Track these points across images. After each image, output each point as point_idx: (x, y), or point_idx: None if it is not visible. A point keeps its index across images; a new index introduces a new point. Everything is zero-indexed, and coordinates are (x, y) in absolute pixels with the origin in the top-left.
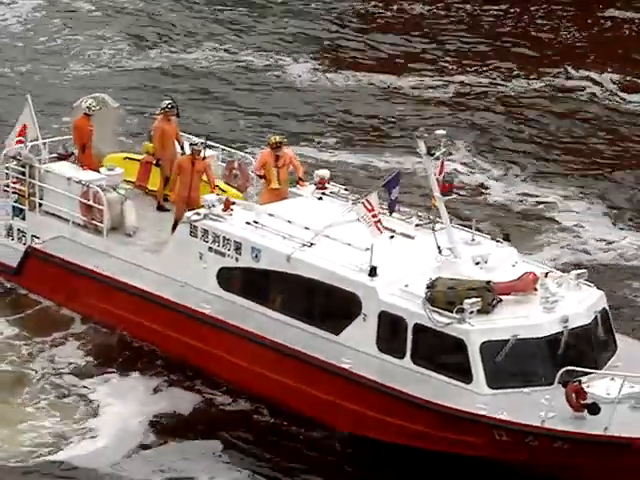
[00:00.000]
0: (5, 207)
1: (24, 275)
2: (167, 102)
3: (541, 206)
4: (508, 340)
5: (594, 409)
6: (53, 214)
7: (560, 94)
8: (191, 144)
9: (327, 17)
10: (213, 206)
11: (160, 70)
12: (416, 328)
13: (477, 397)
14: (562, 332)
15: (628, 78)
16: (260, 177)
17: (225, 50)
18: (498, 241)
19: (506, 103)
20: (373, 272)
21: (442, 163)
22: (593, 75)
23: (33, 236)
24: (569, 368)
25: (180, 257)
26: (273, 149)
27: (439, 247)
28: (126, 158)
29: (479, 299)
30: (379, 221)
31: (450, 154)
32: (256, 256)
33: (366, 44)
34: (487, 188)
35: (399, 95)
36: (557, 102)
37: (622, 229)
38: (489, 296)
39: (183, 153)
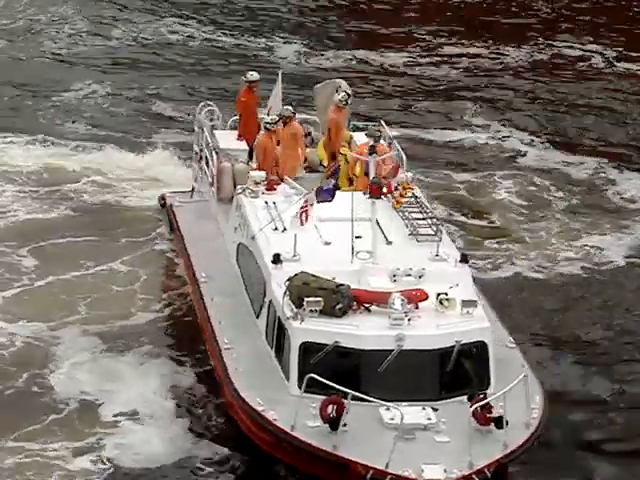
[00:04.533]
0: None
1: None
2: (343, 94)
3: (584, 175)
4: (330, 345)
5: (331, 425)
6: None
7: (558, 64)
8: (265, 122)
9: None
10: (257, 183)
11: (132, 48)
12: (278, 320)
13: (288, 397)
14: (391, 350)
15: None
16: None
17: (201, 31)
18: (460, 261)
19: (507, 74)
20: (276, 259)
21: (380, 163)
22: (589, 45)
23: None
24: (312, 376)
25: (229, 228)
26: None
27: (353, 249)
28: None
29: (320, 299)
30: (304, 212)
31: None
32: (247, 234)
33: (354, 21)
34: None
35: (390, 72)
36: (556, 70)
37: None
38: (334, 299)
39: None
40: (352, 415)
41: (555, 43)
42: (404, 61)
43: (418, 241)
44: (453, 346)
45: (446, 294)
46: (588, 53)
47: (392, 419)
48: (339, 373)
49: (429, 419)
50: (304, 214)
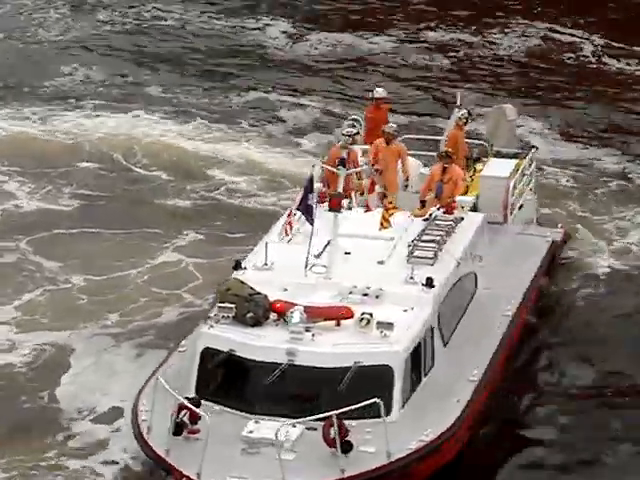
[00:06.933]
0: None
1: None
2: (464, 112)
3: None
4: (226, 353)
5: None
6: None
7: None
8: (342, 133)
9: None
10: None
11: (118, 32)
12: None
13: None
14: (283, 365)
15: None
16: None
17: (185, 12)
18: (424, 284)
19: (499, 61)
20: (237, 266)
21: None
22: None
23: None
24: (160, 379)
25: None
26: (441, 160)
27: (307, 262)
28: None
29: (232, 306)
30: (289, 224)
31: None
32: None
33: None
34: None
35: (378, 57)
36: (551, 56)
37: None
38: (245, 307)
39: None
40: (217, 424)
41: (553, 31)
42: (392, 46)
43: (408, 262)
44: (349, 368)
45: (370, 314)
46: (584, 40)
47: (251, 432)
48: (233, 381)
49: (287, 436)
50: (288, 225)
